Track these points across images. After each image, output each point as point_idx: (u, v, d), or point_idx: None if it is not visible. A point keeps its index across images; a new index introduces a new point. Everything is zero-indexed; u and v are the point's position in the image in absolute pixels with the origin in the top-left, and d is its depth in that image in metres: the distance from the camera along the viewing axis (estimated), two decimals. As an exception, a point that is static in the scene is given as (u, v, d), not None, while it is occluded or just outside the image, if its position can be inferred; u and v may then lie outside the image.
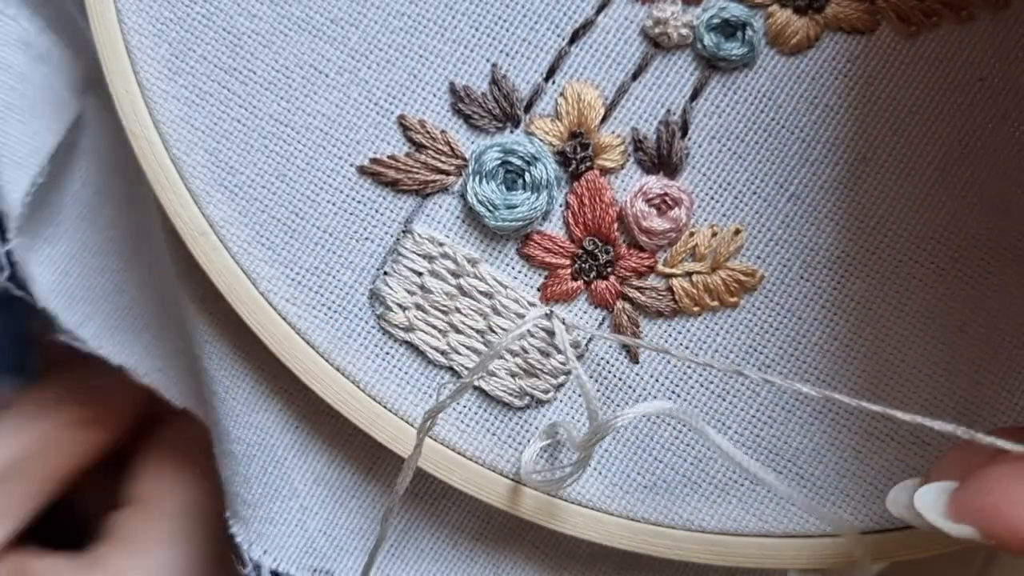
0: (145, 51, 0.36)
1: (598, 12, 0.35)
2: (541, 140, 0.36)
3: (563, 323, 0.35)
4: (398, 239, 0.36)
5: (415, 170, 0.36)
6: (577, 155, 0.36)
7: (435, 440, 0.37)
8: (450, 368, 0.37)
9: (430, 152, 0.36)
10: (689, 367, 0.36)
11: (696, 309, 0.36)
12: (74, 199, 0.41)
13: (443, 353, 0.37)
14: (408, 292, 0.36)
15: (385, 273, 0.37)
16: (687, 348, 0.36)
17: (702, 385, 0.36)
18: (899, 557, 0.36)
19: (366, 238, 0.36)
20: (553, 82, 0.36)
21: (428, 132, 0.36)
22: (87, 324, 0.42)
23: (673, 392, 0.36)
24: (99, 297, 0.42)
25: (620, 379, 0.36)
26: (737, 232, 0.36)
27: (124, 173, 0.41)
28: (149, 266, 0.42)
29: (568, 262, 0.36)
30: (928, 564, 0.36)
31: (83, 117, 0.41)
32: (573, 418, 0.37)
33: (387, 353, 0.37)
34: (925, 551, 0.36)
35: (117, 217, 0.42)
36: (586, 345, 0.36)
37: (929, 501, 0.29)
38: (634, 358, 0.36)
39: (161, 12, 0.36)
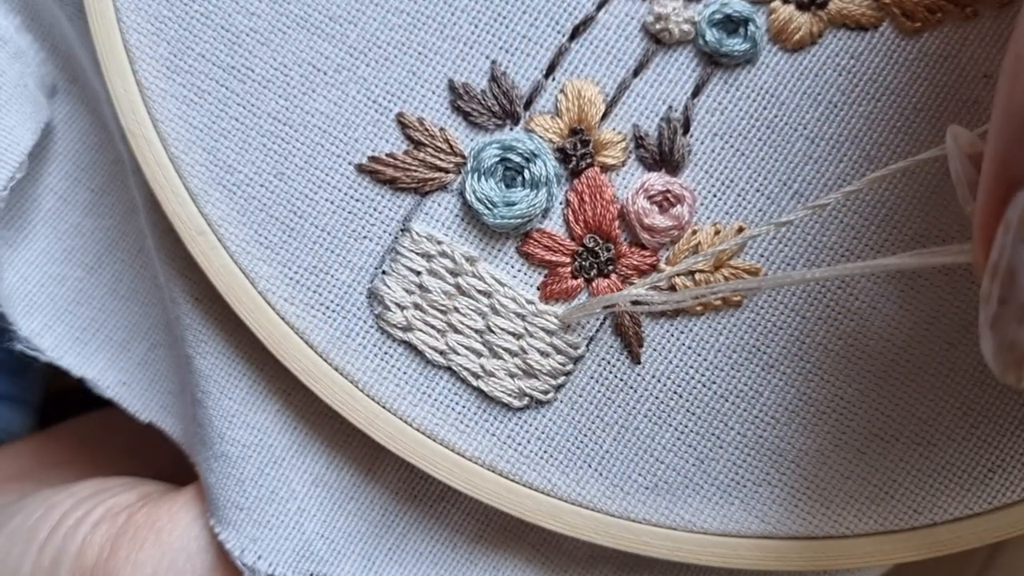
0: (144, 50, 0.36)
1: (598, 8, 0.35)
2: (541, 137, 0.35)
3: None
4: (396, 238, 0.36)
5: (414, 168, 0.36)
6: (577, 152, 0.35)
7: (434, 440, 0.36)
8: (449, 368, 0.36)
9: (429, 150, 0.36)
10: (690, 368, 0.36)
11: (699, 308, 0.36)
12: (36, 205, 0.41)
13: (441, 353, 0.36)
14: (406, 291, 0.36)
15: (383, 272, 0.36)
16: (690, 348, 0.36)
17: (705, 386, 0.36)
18: (903, 559, 0.35)
19: (364, 237, 0.36)
20: (553, 79, 0.36)
21: (427, 130, 0.36)
22: (46, 333, 0.40)
23: (676, 392, 0.36)
24: (59, 306, 0.41)
25: (622, 380, 0.36)
26: (740, 230, 0.35)
27: (90, 182, 0.41)
28: (115, 276, 0.41)
29: (568, 260, 0.36)
30: (927, 564, 0.36)
31: (50, 123, 0.40)
32: (574, 420, 0.36)
33: (386, 353, 0.37)
34: (929, 553, 0.35)
35: (80, 225, 0.41)
36: (587, 347, 0.36)
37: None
38: (636, 359, 0.36)
39: (159, 10, 0.36)
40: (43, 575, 0.38)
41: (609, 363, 0.36)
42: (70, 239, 0.41)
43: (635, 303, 0.35)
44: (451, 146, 0.36)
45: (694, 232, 0.35)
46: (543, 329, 0.36)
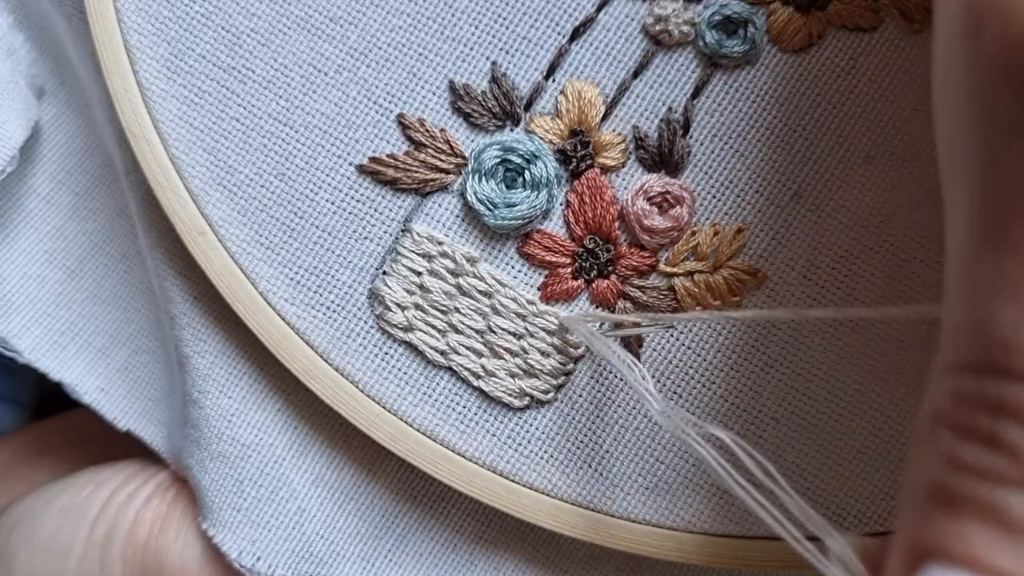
0: (144, 50, 0.36)
1: (599, 9, 0.35)
2: (541, 138, 0.35)
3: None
4: (397, 238, 0.36)
5: (414, 169, 0.36)
6: (577, 153, 0.35)
7: (435, 441, 0.36)
8: (449, 368, 0.36)
9: (429, 151, 0.36)
10: (690, 367, 0.36)
11: (698, 309, 0.36)
12: (18, 205, 0.41)
13: (442, 353, 0.36)
14: (407, 292, 0.36)
15: (384, 273, 0.36)
16: (689, 347, 0.36)
17: (704, 386, 0.36)
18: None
19: (365, 237, 0.36)
20: (553, 80, 0.36)
21: (427, 130, 0.36)
22: (23, 335, 0.40)
23: (675, 393, 0.36)
24: (38, 309, 0.41)
25: (622, 380, 0.36)
26: (739, 231, 0.35)
27: (74, 185, 0.41)
28: (97, 281, 0.41)
29: (569, 261, 0.36)
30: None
31: (37, 124, 0.40)
32: (574, 420, 0.36)
33: (386, 353, 0.37)
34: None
35: (63, 228, 0.41)
36: (586, 347, 0.36)
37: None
38: (636, 358, 0.36)
39: (160, 11, 0.36)
40: (95, 551, 0.38)
41: (609, 363, 0.36)
42: (52, 242, 0.41)
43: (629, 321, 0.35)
44: (452, 147, 0.36)
45: (693, 233, 0.35)
46: (544, 329, 0.36)
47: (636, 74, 0.35)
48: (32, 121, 0.39)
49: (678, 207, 0.35)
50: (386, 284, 0.36)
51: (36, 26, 0.40)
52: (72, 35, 0.39)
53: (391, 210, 0.36)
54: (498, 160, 0.35)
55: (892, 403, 0.36)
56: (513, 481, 0.36)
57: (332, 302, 0.36)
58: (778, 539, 0.36)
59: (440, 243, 0.36)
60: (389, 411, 0.36)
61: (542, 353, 0.36)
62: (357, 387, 0.36)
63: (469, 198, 0.36)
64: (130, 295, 0.41)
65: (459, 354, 0.36)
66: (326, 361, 0.36)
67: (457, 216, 0.36)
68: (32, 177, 0.41)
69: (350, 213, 0.36)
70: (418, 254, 0.36)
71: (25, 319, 0.41)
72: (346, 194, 0.36)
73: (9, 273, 0.41)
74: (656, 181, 0.35)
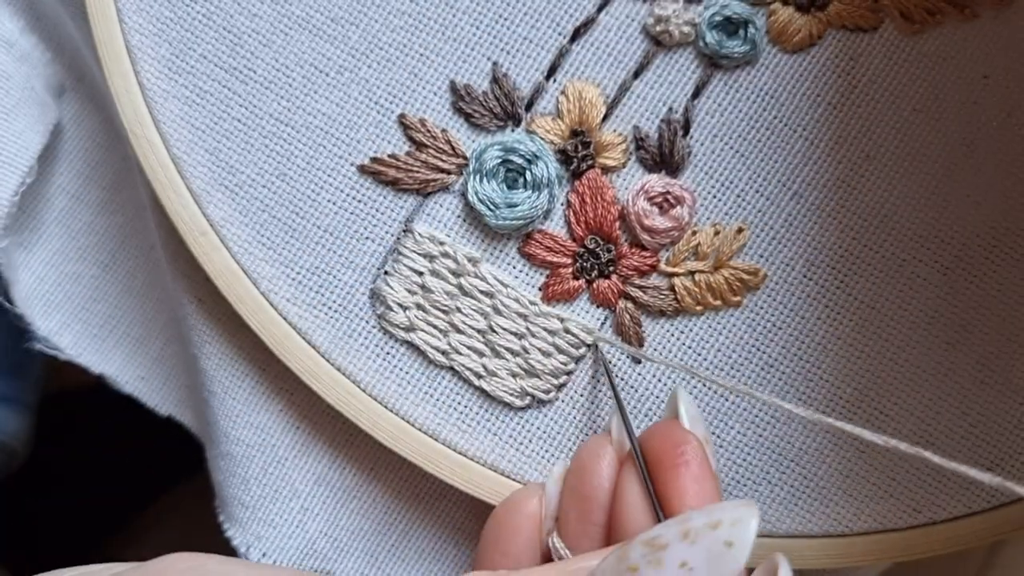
0: (145, 50, 0.36)
1: (599, 10, 0.35)
2: (542, 138, 0.36)
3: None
4: (399, 238, 0.36)
5: (416, 169, 0.36)
6: (578, 153, 0.35)
7: (436, 440, 0.36)
8: (451, 368, 0.36)
9: (431, 151, 0.36)
10: (691, 367, 0.36)
11: (699, 308, 0.36)
12: (49, 205, 0.41)
13: (444, 353, 0.36)
14: (409, 292, 0.36)
15: (386, 272, 0.36)
16: (690, 348, 0.36)
17: (705, 386, 0.36)
18: (902, 557, 0.35)
19: (367, 237, 0.36)
20: (554, 80, 0.36)
21: (429, 131, 0.36)
22: (64, 332, 0.41)
23: (675, 392, 0.36)
24: (76, 304, 0.41)
25: (623, 379, 0.36)
26: (740, 231, 0.35)
27: (101, 179, 0.41)
28: (129, 272, 0.41)
29: (570, 261, 0.36)
30: (927, 563, 0.36)
31: (59, 123, 0.40)
32: (575, 419, 0.36)
33: (388, 353, 0.37)
34: (928, 551, 0.35)
35: (93, 223, 0.41)
36: (588, 346, 0.36)
37: None
38: (636, 359, 0.36)
39: (161, 11, 0.36)
40: None
41: (610, 362, 0.36)
42: (84, 237, 0.41)
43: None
44: (453, 147, 0.36)
45: (694, 233, 0.36)
46: (545, 329, 0.36)
47: (637, 74, 0.35)
48: (50, 125, 0.39)
49: (679, 207, 0.35)
50: (388, 284, 0.36)
51: (51, 24, 0.40)
52: (80, 34, 0.39)
53: (392, 210, 0.36)
54: (499, 160, 0.35)
55: (890, 404, 0.36)
56: (515, 480, 0.36)
57: (334, 302, 0.37)
58: (774, 537, 0.36)
59: (441, 243, 0.36)
60: (391, 411, 0.36)
61: (543, 353, 0.36)
62: (359, 387, 0.36)
63: (470, 198, 0.36)
64: (160, 285, 0.41)
65: (460, 354, 0.36)
66: (328, 361, 0.36)
67: (458, 216, 0.36)
68: (60, 175, 0.41)
69: (351, 213, 0.36)
70: (420, 254, 0.36)
71: (64, 316, 0.41)
72: (347, 194, 0.36)
73: (46, 273, 0.41)
74: (657, 181, 0.35)
